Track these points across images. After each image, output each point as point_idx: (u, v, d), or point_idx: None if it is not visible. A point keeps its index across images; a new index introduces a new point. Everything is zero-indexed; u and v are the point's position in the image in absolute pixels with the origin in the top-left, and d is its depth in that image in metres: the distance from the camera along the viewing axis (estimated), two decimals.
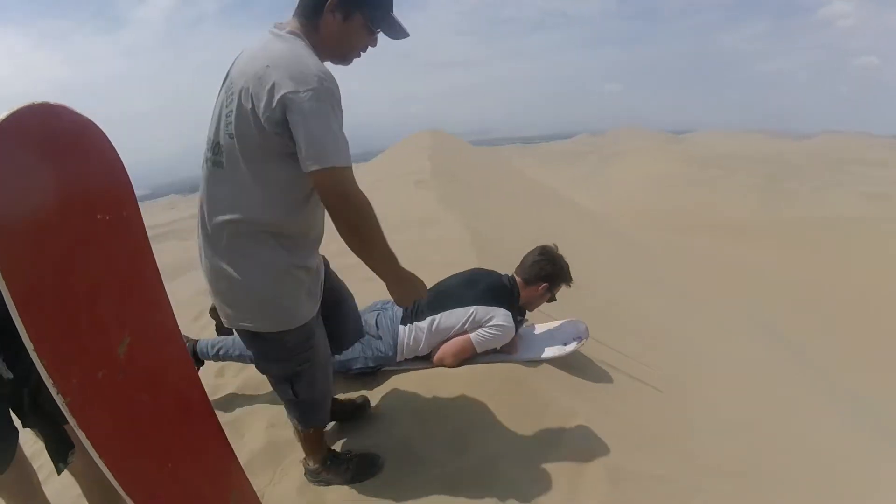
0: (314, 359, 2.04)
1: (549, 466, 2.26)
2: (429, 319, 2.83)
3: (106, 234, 1.37)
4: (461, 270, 3.17)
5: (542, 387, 2.71)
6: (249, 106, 1.63)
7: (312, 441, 2.33)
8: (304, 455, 2.40)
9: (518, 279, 3.04)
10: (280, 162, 1.70)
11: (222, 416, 2.97)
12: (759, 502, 2.89)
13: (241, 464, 2.57)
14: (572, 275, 3.10)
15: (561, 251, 3.13)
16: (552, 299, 3.10)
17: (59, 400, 1.17)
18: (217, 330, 3.42)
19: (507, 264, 3.18)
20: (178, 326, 1.57)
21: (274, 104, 1.60)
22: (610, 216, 20.28)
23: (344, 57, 1.88)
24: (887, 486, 4.42)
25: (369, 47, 1.90)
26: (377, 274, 1.91)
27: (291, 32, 1.77)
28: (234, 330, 3.34)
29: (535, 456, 2.33)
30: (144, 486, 1.36)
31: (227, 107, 1.71)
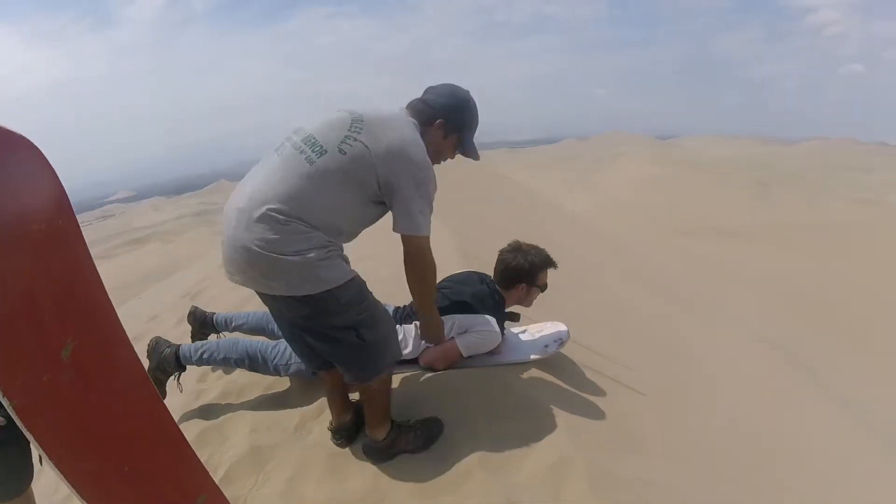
0: (373, 303, 2.20)
1: (531, 469, 2.25)
2: (416, 323, 2.82)
3: (42, 243, 1.38)
4: (448, 275, 3.16)
5: (525, 390, 2.72)
6: (371, 156, 2.01)
7: (382, 402, 2.37)
8: (366, 434, 2.45)
9: (499, 287, 3.05)
10: (362, 200, 2.09)
11: (205, 421, 2.98)
12: None
13: (224, 468, 2.59)
14: (557, 263, 3.09)
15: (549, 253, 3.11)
16: (543, 289, 3.08)
17: (5, 402, 1.19)
18: (192, 337, 3.38)
19: (490, 268, 3.16)
20: (123, 330, 1.57)
21: (391, 174, 2.03)
22: (596, 220, 20.38)
23: (433, 161, 2.25)
24: (886, 487, 4.43)
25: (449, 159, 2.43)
26: (419, 312, 2.53)
27: (416, 125, 2.22)
28: (221, 334, 3.33)
29: (517, 458, 2.32)
30: (99, 489, 1.37)
31: (353, 126, 2.06)
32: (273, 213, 1.94)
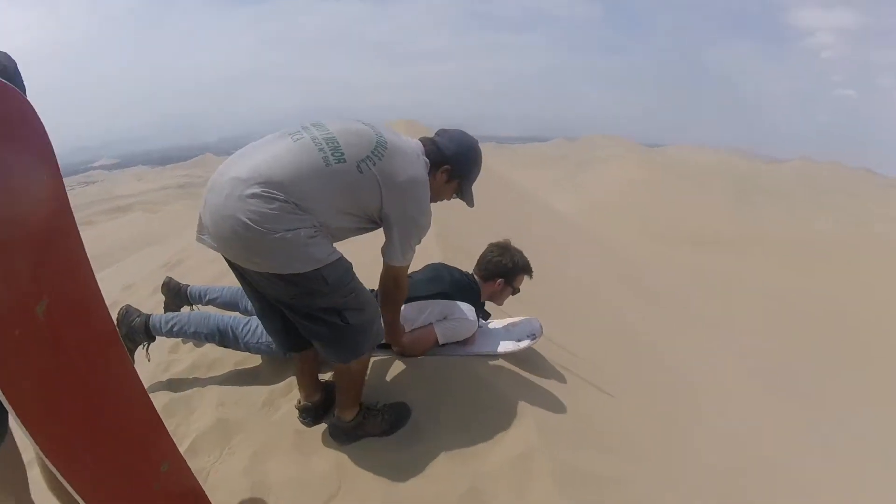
0: (359, 286, 2.20)
1: (495, 462, 2.26)
2: None
3: (22, 196, 1.35)
4: (425, 265, 3.18)
5: (496, 382, 2.72)
6: (381, 188, 2.09)
7: (356, 383, 2.39)
8: (334, 414, 2.45)
9: (477, 277, 3.09)
10: (359, 215, 2.16)
11: (173, 393, 2.97)
12: None
13: (189, 440, 2.59)
14: (535, 269, 3.15)
15: (527, 249, 3.16)
16: (515, 291, 3.15)
17: None
18: (165, 307, 3.36)
19: (472, 260, 3.19)
20: (100, 292, 1.55)
21: (393, 209, 2.14)
22: (580, 219, 20.47)
23: (431, 201, 2.33)
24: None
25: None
26: (384, 322, 2.49)
27: (427, 165, 2.30)
28: (194, 306, 3.32)
29: (483, 449, 2.33)
30: (65, 450, 1.36)
31: (376, 151, 2.11)
32: (272, 192, 1.92)
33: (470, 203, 2.50)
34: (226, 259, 2.12)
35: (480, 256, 3.13)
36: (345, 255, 2.12)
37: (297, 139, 2.09)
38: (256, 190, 1.92)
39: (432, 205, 2.32)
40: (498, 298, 3.15)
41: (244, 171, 1.97)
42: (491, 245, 3.14)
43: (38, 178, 1.41)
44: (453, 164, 2.37)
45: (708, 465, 3.49)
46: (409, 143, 2.32)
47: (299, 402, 2.58)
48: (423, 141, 2.39)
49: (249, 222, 1.90)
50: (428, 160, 2.32)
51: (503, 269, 3.05)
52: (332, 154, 2.04)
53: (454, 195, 2.50)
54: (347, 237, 2.24)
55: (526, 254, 3.15)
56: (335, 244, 2.14)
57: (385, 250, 2.25)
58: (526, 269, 3.11)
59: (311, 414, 2.56)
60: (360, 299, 2.18)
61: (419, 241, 2.30)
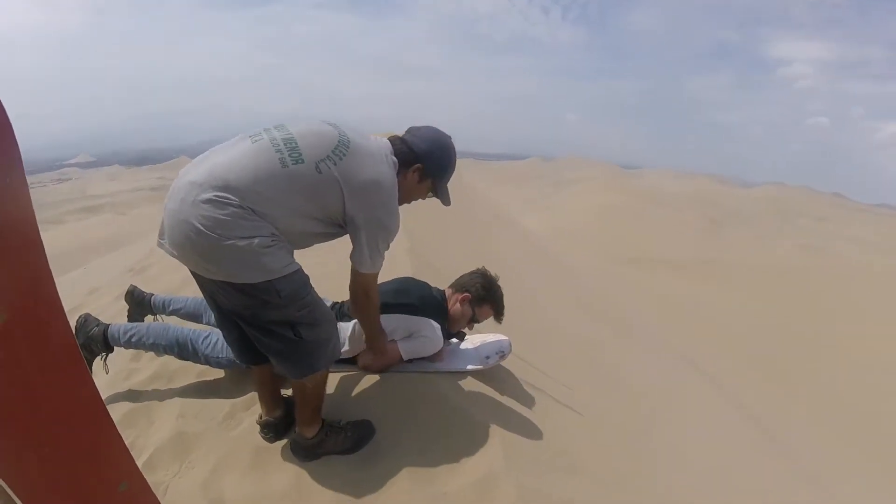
0: (315, 300, 2.14)
1: (458, 483, 2.24)
2: (354, 322, 2.75)
3: None
4: (393, 278, 3.14)
5: (461, 402, 2.70)
6: (341, 188, 2.03)
7: (313, 399, 2.31)
8: (295, 430, 2.39)
9: (448, 290, 3.05)
10: (322, 219, 2.09)
11: (132, 403, 2.91)
12: None
13: (148, 452, 2.53)
14: (506, 301, 3.11)
15: (497, 272, 3.15)
16: (474, 319, 3.06)
17: None
18: (128, 316, 3.30)
19: (441, 276, 3.17)
20: (61, 304, 1.51)
21: (357, 211, 2.07)
22: (550, 242, 20.70)
23: (403, 201, 2.33)
24: None
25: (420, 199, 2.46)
26: (365, 334, 2.64)
27: (396, 165, 2.24)
28: (158, 317, 3.26)
29: (445, 470, 2.30)
30: (16, 468, 1.31)
31: (337, 150, 2.05)
32: (226, 197, 1.88)
33: (446, 202, 2.44)
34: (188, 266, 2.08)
35: (463, 275, 3.09)
36: (312, 265, 2.11)
37: (256, 140, 2.04)
38: (210, 195, 1.87)
39: (404, 210, 2.29)
40: (459, 321, 3.03)
41: (200, 176, 1.93)
42: (479, 270, 3.10)
43: (1, 186, 1.37)
44: (425, 162, 2.31)
45: (675, 487, 3.51)
46: (377, 142, 2.26)
47: (260, 417, 2.52)
48: (392, 140, 2.32)
49: (202, 228, 1.86)
50: (397, 160, 2.26)
51: (476, 290, 3.00)
52: (290, 155, 1.99)
53: (429, 194, 2.44)
54: (312, 243, 2.20)
55: (499, 276, 3.13)
56: (300, 252, 2.11)
57: (353, 256, 2.18)
58: (497, 304, 3.04)
59: (272, 430, 2.50)
60: (316, 314, 2.13)
61: (387, 246, 2.22)
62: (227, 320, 2.27)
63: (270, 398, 2.53)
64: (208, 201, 1.87)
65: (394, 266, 4.16)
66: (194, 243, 1.90)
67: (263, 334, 2.11)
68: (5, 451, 1.31)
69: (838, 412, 11.93)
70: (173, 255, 2.01)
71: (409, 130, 2.39)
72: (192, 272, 2.10)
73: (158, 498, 2.04)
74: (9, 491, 1.29)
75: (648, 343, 10.32)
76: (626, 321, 11.47)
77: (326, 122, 2.17)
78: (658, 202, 37.05)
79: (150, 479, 2.34)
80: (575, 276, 14.49)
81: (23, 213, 1.42)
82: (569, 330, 7.04)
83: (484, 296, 3.00)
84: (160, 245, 2.05)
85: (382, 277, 2.94)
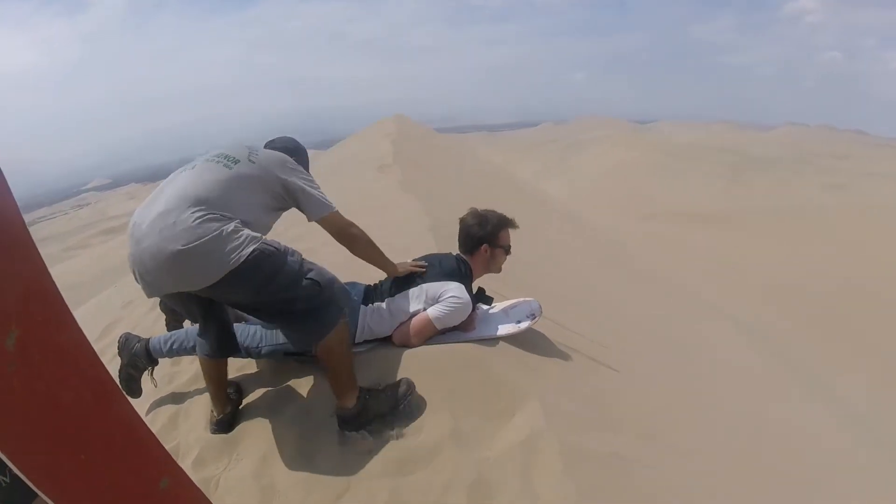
0: (310, 263, 2.37)
1: (502, 446, 2.25)
2: (387, 300, 2.84)
3: None
4: (418, 255, 3.14)
5: (498, 366, 2.69)
6: (267, 170, 2.44)
7: (346, 361, 2.46)
8: (335, 406, 2.47)
9: (464, 255, 3.05)
10: (269, 204, 2.46)
11: (176, 405, 2.97)
12: (720, 481, 2.92)
13: (196, 450, 2.58)
14: (516, 223, 3.11)
15: (519, 234, 3.12)
16: (508, 251, 3.08)
17: None
18: (167, 325, 3.34)
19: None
20: (70, 313, 1.53)
21: (288, 175, 2.47)
22: (571, 204, 20.49)
23: None
24: (868, 478, 4.50)
25: None
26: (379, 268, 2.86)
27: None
28: (186, 322, 3.30)
29: (488, 435, 2.32)
30: (55, 481, 1.31)
31: (252, 151, 2.49)
32: (200, 208, 2.16)
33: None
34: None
35: (458, 236, 3.08)
36: (326, 256, 2.19)
37: (195, 165, 2.40)
38: (187, 213, 2.14)
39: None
40: (493, 266, 3.07)
41: (169, 203, 2.18)
42: (461, 219, 3.09)
43: None
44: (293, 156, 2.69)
45: (723, 446, 3.47)
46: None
47: (214, 416, 2.69)
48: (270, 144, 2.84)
49: (184, 247, 2.09)
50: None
51: (482, 235, 2.99)
52: (228, 160, 2.39)
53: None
54: (274, 222, 2.55)
55: (519, 243, 3.10)
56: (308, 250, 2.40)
57: (311, 211, 2.53)
58: (504, 222, 3.05)
59: (224, 426, 2.67)
60: (313, 266, 2.37)
61: (318, 186, 2.57)
62: (209, 319, 2.57)
63: (224, 396, 2.73)
64: (186, 219, 2.13)
65: (417, 244, 4.17)
66: (184, 264, 2.12)
67: (273, 313, 2.40)
68: (43, 466, 1.32)
69: None
70: (164, 291, 2.30)
71: (267, 143, 2.84)
72: (181, 295, 2.37)
73: (212, 491, 2.09)
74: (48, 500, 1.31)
75: (688, 301, 10.19)
76: (660, 278, 11.34)
77: (236, 143, 2.58)
78: (675, 154, 36.41)
79: (201, 475, 2.41)
80: (601, 235, 14.34)
81: (18, 234, 1.42)
82: (601, 290, 6.99)
83: (491, 230, 3.01)
84: (148, 290, 2.28)
85: (406, 256, 2.92)
